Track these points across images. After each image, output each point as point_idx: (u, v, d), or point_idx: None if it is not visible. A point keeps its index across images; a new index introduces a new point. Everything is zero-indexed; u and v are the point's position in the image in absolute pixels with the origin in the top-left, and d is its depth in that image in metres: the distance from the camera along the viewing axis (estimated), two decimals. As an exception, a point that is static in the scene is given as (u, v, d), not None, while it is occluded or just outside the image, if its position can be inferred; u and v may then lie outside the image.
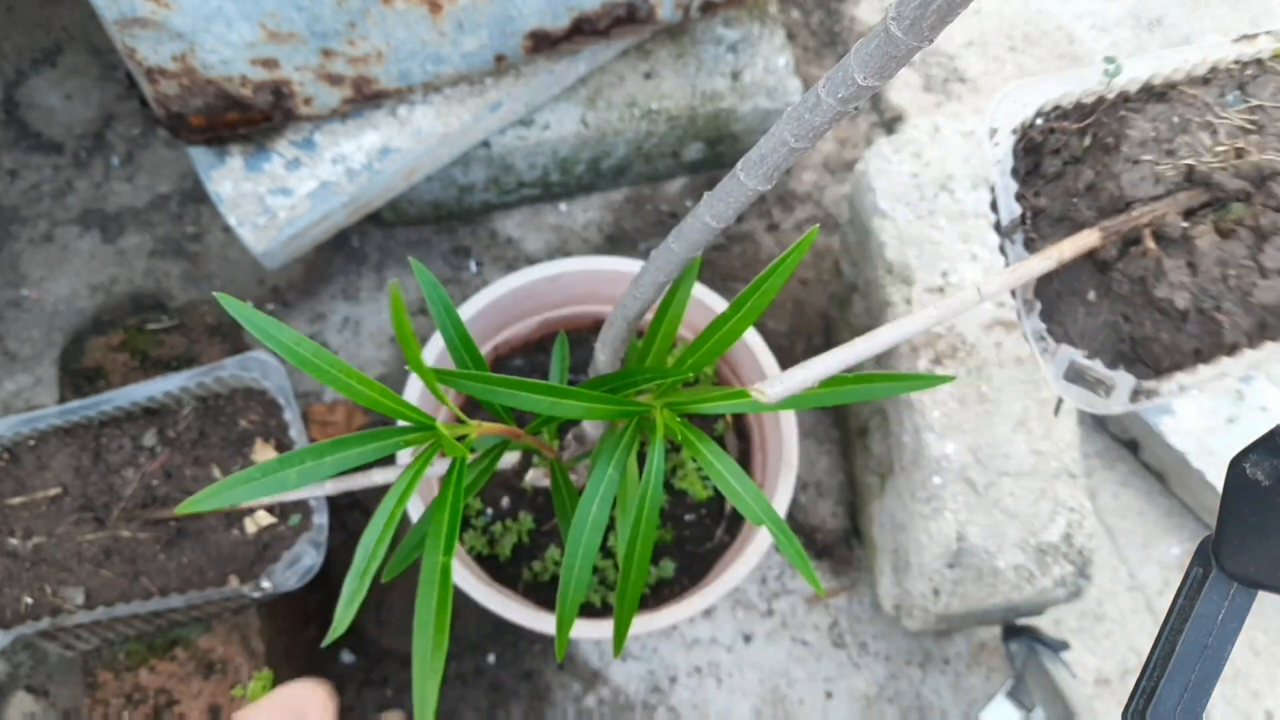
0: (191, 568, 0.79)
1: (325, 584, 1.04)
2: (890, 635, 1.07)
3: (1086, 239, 0.57)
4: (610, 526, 0.61)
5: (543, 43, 0.95)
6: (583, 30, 0.96)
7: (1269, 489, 0.42)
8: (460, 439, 0.54)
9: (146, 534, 0.79)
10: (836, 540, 1.10)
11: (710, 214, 0.47)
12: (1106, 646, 1.06)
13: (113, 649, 0.84)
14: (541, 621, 0.82)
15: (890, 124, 1.29)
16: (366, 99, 0.93)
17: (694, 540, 0.95)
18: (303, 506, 0.80)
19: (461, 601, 1.00)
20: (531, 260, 1.18)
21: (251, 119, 0.91)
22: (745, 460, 0.98)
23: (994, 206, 0.62)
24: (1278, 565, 0.42)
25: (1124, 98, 0.61)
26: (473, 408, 0.99)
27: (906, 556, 0.90)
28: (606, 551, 0.95)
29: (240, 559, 0.79)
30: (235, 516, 0.80)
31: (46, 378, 1.10)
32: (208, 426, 0.82)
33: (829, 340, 1.14)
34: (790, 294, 1.19)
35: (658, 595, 0.94)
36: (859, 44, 0.35)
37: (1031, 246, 0.60)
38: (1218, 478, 1.02)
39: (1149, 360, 0.60)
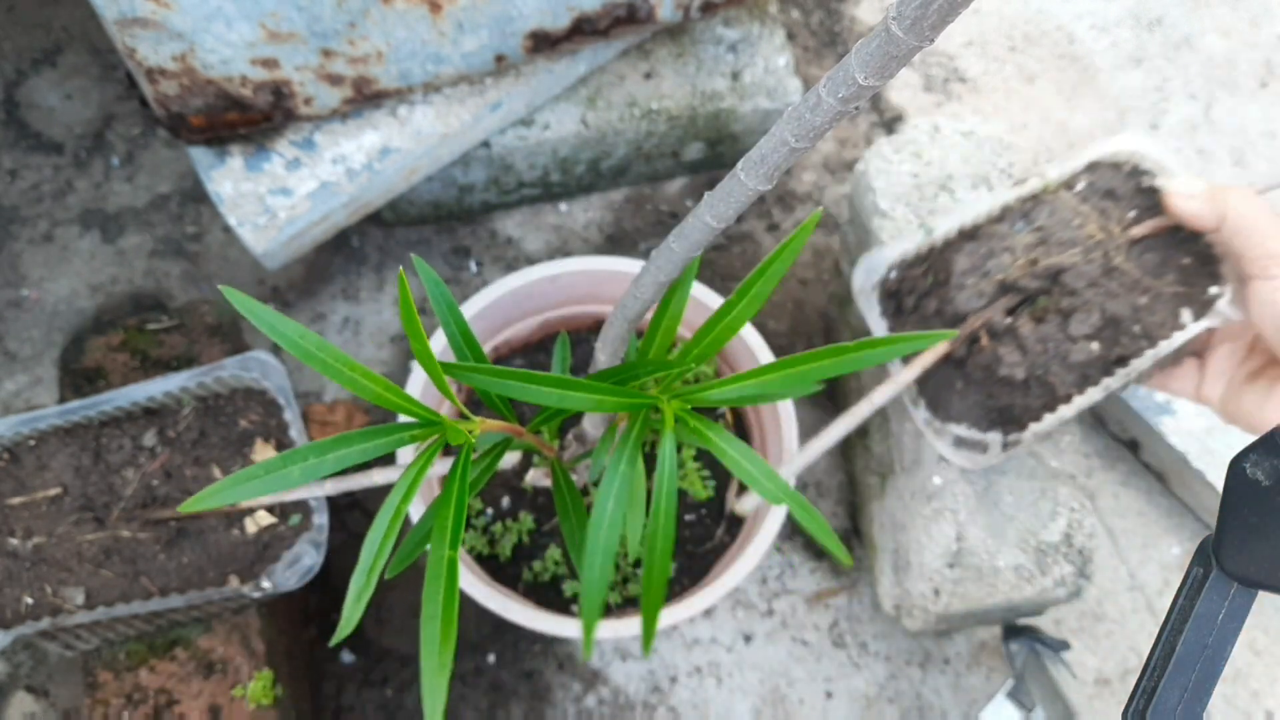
0: (192, 568, 0.79)
1: (325, 584, 1.04)
2: (890, 635, 1.07)
3: (940, 348, 0.76)
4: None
5: (543, 43, 0.96)
6: (583, 30, 0.96)
7: (1269, 489, 0.42)
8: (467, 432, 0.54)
9: (147, 534, 0.79)
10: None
11: (710, 214, 0.47)
12: (1106, 646, 1.06)
13: (113, 649, 0.84)
14: (542, 622, 0.82)
15: (890, 124, 1.29)
16: (367, 99, 0.93)
17: (694, 540, 0.95)
18: (303, 507, 0.80)
19: (462, 601, 1.00)
20: (532, 260, 1.18)
21: (251, 119, 0.91)
22: (745, 460, 0.98)
23: None
24: (1278, 565, 0.42)
25: (947, 243, 0.80)
26: (473, 406, 0.99)
27: (907, 556, 0.90)
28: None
29: (240, 559, 0.79)
30: (235, 516, 0.80)
31: (46, 378, 1.10)
32: (208, 426, 0.82)
33: (829, 340, 1.14)
34: (790, 294, 1.19)
35: (658, 595, 0.94)
36: (860, 44, 0.35)
37: (906, 361, 0.77)
38: (1218, 478, 1.03)
39: (1010, 421, 0.77)
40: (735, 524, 0.96)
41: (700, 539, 0.95)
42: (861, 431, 1.03)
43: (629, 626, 0.83)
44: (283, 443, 0.82)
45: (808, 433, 1.13)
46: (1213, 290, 0.73)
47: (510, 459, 0.73)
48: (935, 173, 0.95)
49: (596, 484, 0.58)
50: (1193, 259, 0.74)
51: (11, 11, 1.26)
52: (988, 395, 0.76)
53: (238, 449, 0.82)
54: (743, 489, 0.93)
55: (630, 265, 0.93)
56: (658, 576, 0.57)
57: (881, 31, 0.34)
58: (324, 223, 0.98)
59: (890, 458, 0.94)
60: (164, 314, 0.96)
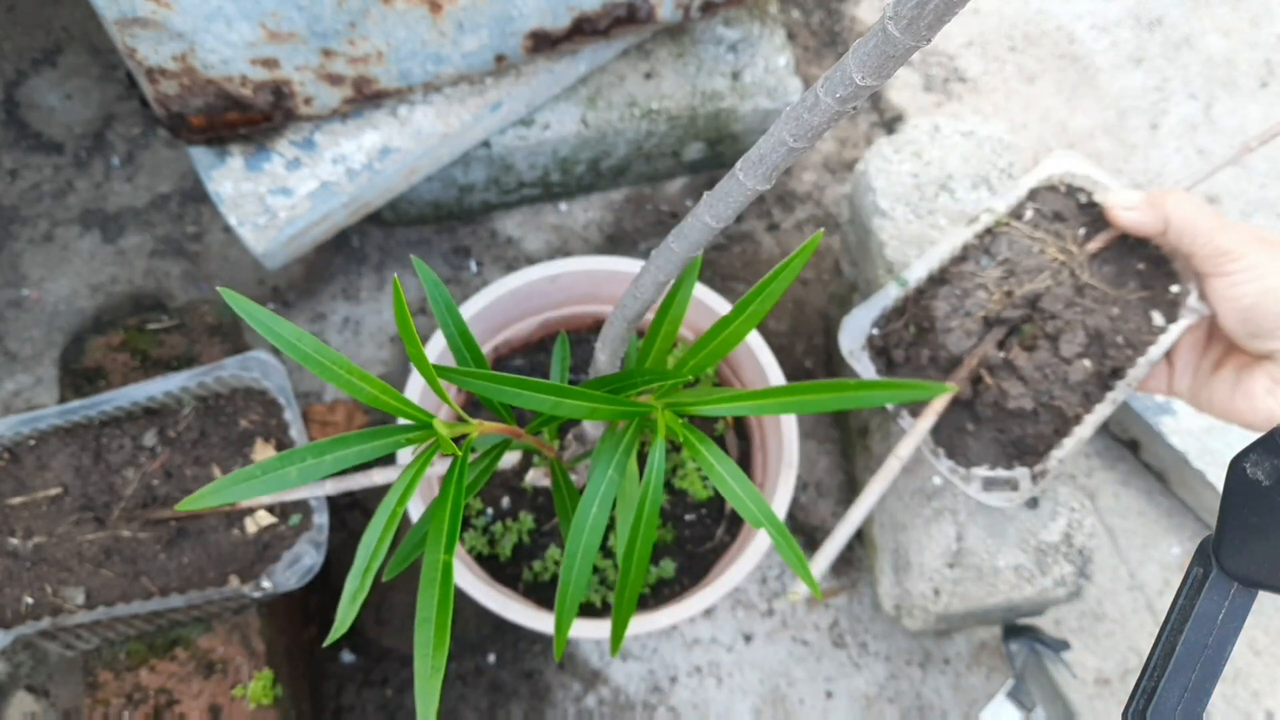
0: (192, 568, 0.79)
1: (325, 584, 1.04)
2: (890, 635, 1.07)
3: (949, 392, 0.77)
4: (611, 526, 0.61)
5: (543, 43, 0.95)
6: (583, 30, 0.96)
7: (1269, 489, 0.42)
8: (461, 438, 0.54)
9: (147, 534, 0.79)
10: (836, 540, 1.10)
11: (710, 214, 0.47)
12: (1106, 646, 1.06)
13: (113, 649, 0.84)
14: (542, 621, 0.82)
15: (890, 124, 1.29)
16: (367, 99, 0.93)
17: (694, 540, 0.95)
18: (303, 506, 0.80)
19: (461, 601, 1.00)
20: (532, 260, 1.18)
21: (252, 119, 0.91)
22: (746, 460, 0.98)
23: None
24: (1278, 565, 0.42)
25: (920, 293, 0.81)
26: (473, 407, 0.99)
27: (907, 556, 0.90)
28: (607, 551, 0.95)
29: (240, 559, 0.79)
30: (235, 516, 0.81)
31: (47, 378, 1.10)
32: (208, 426, 0.82)
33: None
34: (790, 294, 1.19)
35: (658, 595, 0.94)
36: (857, 44, 0.35)
37: (915, 413, 0.79)
38: (1218, 478, 1.02)
39: (1029, 452, 0.78)
40: (735, 524, 0.96)
41: (700, 539, 0.95)
42: (862, 431, 1.03)
43: (628, 627, 0.83)
44: (283, 443, 0.82)
45: (807, 433, 1.13)
46: (1174, 289, 0.77)
47: (510, 459, 0.73)
48: (935, 172, 0.95)
49: (596, 484, 0.58)
50: (1146, 264, 0.79)
51: (11, 11, 1.26)
52: (1000, 430, 0.78)
53: (238, 449, 0.82)
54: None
55: (630, 265, 0.93)
56: (633, 581, 0.57)
57: (878, 31, 0.34)
58: (324, 223, 0.98)
59: (920, 449, 0.94)
60: (164, 314, 0.96)
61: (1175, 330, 0.76)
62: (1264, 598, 0.43)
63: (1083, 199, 0.82)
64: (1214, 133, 1.28)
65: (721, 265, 1.19)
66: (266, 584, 0.78)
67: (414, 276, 1.16)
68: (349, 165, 0.95)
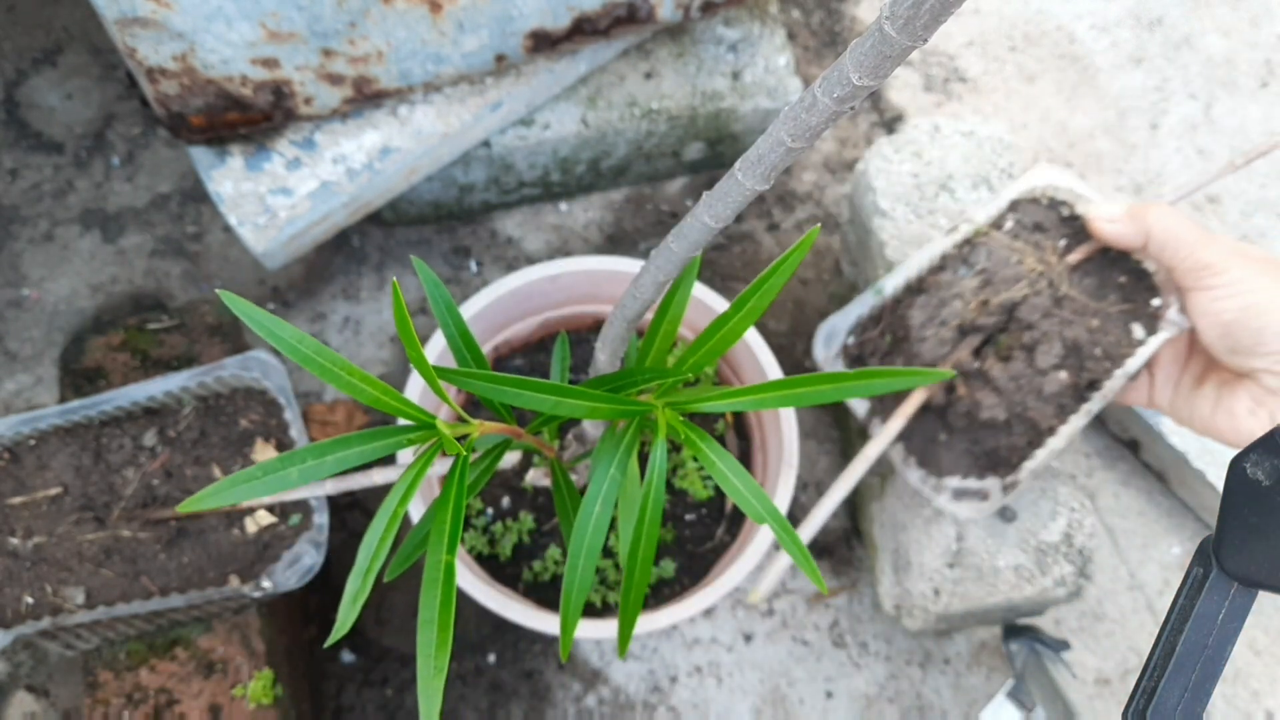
0: (192, 567, 0.79)
1: (325, 584, 1.04)
2: (890, 635, 1.07)
3: (917, 397, 0.78)
4: (611, 526, 0.61)
5: (543, 42, 0.95)
6: (583, 30, 0.96)
7: (1269, 489, 0.42)
8: (462, 438, 0.54)
9: (147, 534, 0.79)
10: (837, 540, 1.10)
11: (709, 214, 0.47)
12: (1106, 646, 1.06)
13: (113, 648, 0.84)
14: (542, 621, 0.82)
15: (890, 124, 1.29)
16: (367, 99, 0.93)
17: (694, 540, 0.95)
18: (303, 506, 0.80)
19: (462, 601, 1.00)
20: (532, 260, 1.18)
21: (252, 119, 0.91)
22: (746, 460, 0.98)
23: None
24: (1278, 565, 0.42)
25: (896, 301, 0.81)
26: (474, 407, 0.99)
27: (907, 556, 0.90)
28: (607, 551, 0.95)
29: (241, 559, 0.79)
30: (236, 516, 0.81)
31: (47, 377, 1.10)
32: (208, 426, 0.82)
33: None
34: (790, 293, 1.19)
35: (658, 595, 0.94)
36: (854, 44, 0.35)
37: (885, 419, 0.79)
38: (1218, 478, 1.02)
39: (1002, 463, 0.78)
40: (735, 524, 0.96)
41: (700, 539, 0.95)
42: (861, 432, 1.03)
43: (628, 626, 0.83)
44: (283, 443, 0.82)
45: (808, 432, 1.13)
46: (1155, 302, 0.78)
47: (510, 459, 0.73)
48: (935, 172, 0.95)
49: (596, 484, 0.58)
50: (1128, 276, 0.79)
51: (12, 11, 1.26)
52: (973, 441, 0.78)
53: (238, 449, 0.82)
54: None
55: (630, 265, 0.93)
56: (638, 581, 0.57)
57: (875, 31, 0.34)
58: (324, 222, 0.98)
59: (890, 458, 0.94)
60: (164, 314, 0.96)
61: (1154, 343, 0.76)
62: (1264, 598, 0.43)
63: (1065, 212, 0.82)
64: (1214, 133, 1.28)
65: (721, 265, 1.20)
66: (266, 584, 0.78)
67: (414, 276, 1.17)
68: (349, 165, 0.95)
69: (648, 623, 0.83)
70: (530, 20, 0.92)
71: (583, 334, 1.01)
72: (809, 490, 1.12)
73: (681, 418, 0.58)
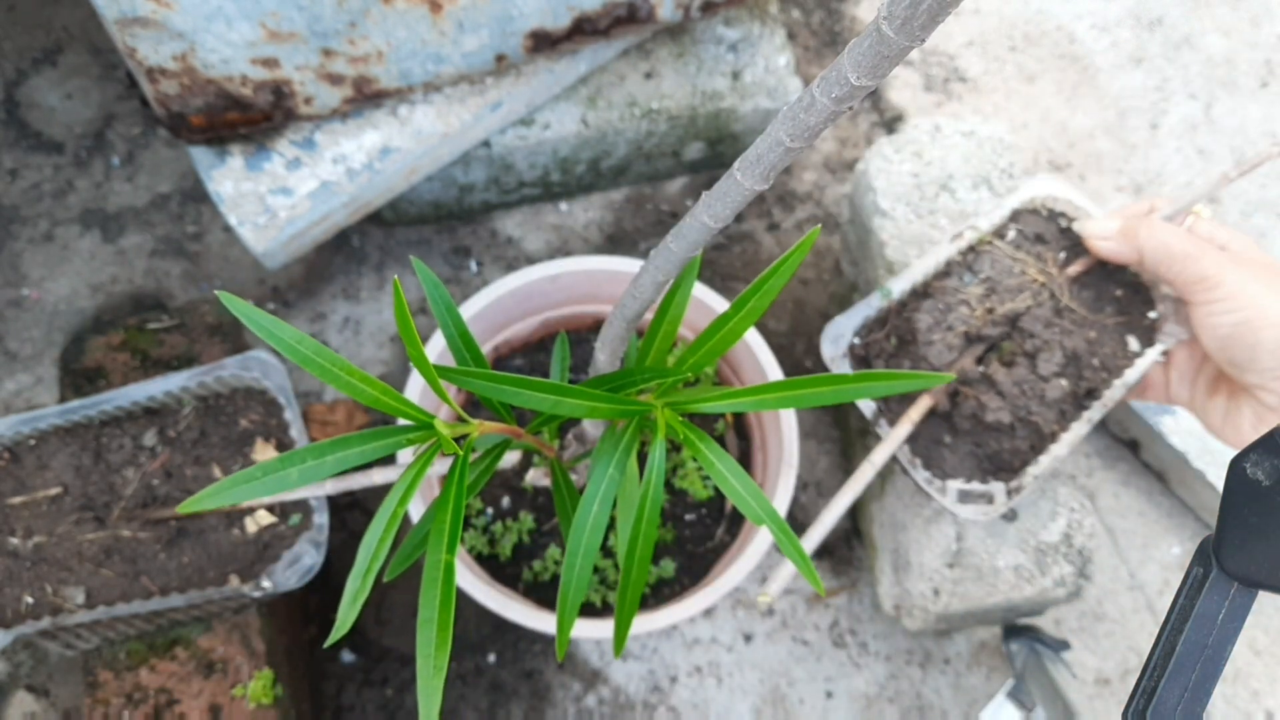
0: (192, 567, 0.79)
1: (325, 584, 1.04)
2: (890, 635, 1.07)
3: (924, 401, 0.79)
4: (611, 526, 0.61)
5: (543, 42, 0.95)
6: (583, 30, 0.96)
7: (1269, 489, 0.42)
8: (462, 438, 0.54)
9: (147, 533, 0.79)
10: (836, 540, 1.10)
11: (708, 214, 0.47)
12: (1106, 646, 1.06)
13: (113, 648, 0.84)
14: (542, 621, 0.82)
15: (891, 124, 1.29)
16: (367, 99, 0.93)
17: (694, 540, 0.95)
18: (303, 506, 0.80)
19: (462, 601, 1.00)
20: (532, 260, 1.18)
21: (252, 119, 0.91)
22: (746, 460, 0.98)
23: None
24: (1278, 565, 0.42)
25: (902, 305, 0.83)
26: (473, 407, 0.99)
27: (906, 556, 0.90)
28: (607, 551, 0.95)
29: (241, 558, 0.79)
30: (236, 516, 0.81)
31: (47, 377, 1.10)
32: (208, 426, 0.82)
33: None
34: (790, 293, 1.19)
35: (658, 595, 0.94)
36: (852, 44, 0.35)
37: (892, 422, 0.80)
38: (1218, 478, 1.02)
39: (1005, 466, 0.79)
40: (735, 524, 0.96)
41: (700, 539, 0.95)
42: (861, 432, 1.03)
43: (628, 626, 0.83)
44: (283, 443, 0.82)
45: (808, 432, 1.13)
46: (1151, 315, 0.79)
47: (510, 458, 0.73)
48: (936, 172, 0.95)
49: (596, 484, 0.58)
50: (1124, 290, 0.81)
51: (12, 11, 1.26)
52: (977, 444, 0.79)
53: (238, 449, 0.82)
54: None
55: (630, 265, 0.93)
56: (635, 581, 0.57)
57: (873, 31, 0.34)
58: (324, 222, 0.98)
59: (897, 458, 0.94)
60: (164, 314, 0.96)
61: (1150, 355, 0.78)
62: (1264, 598, 0.43)
63: (1063, 223, 0.84)
64: (1214, 133, 1.28)
65: (721, 265, 1.19)
66: (266, 584, 0.78)
67: (414, 276, 1.17)
68: (349, 165, 0.95)
69: (647, 623, 0.83)
70: (530, 20, 0.92)
71: (583, 334, 1.01)
72: (809, 490, 1.12)
73: (681, 418, 0.58)
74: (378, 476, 0.72)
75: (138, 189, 1.19)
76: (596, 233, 1.20)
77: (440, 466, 0.67)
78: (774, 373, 0.90)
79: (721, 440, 0.99)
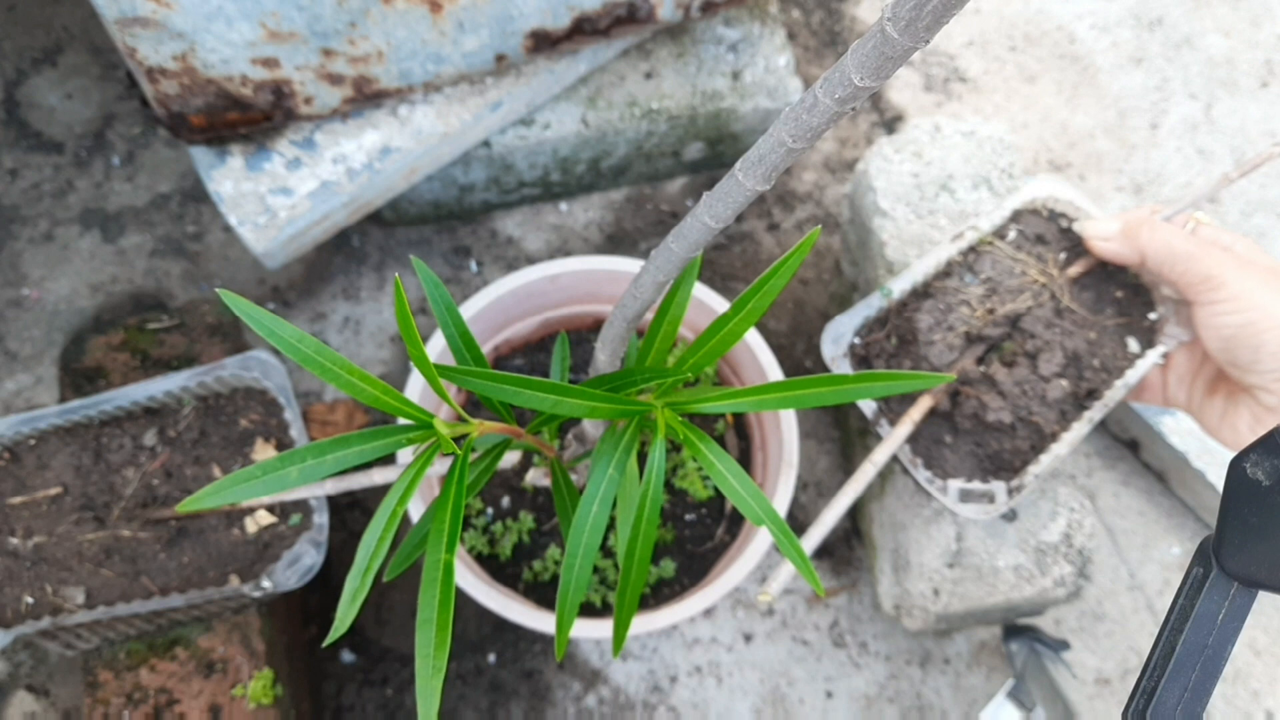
0: (192, 567, 0.79)
1: (325, 584, 1.04)
2: (890, 635, 1.07)
3: (925, 401, 0.78)
4: (611, 526, 0.61)
5: (543, 42, 0.95)
6: (583, 30, 0.96)
7: (1269, 489, 0.42)
8: (462, 438, 0.54)
9: (147, 533, 0.79)
10: (836, 540, 1.10)
11: (709, 214, 0.47)
12: (1106, 646, 1.06)
13: (113, 648, 0.84)
14: (542, 621, 0.82)
15: (891, 124, 1.29)
16: (367, 98, 0.93)
17: (694, 540, 0.95)
18: (303, 506, 0.80)
19: (462, 601, 1.00)
20: (532, 260, 1.18)
21: (252, 119, 0.91)
22: (746, 460, 0.98)
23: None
24: (1278, 565, 0.42)
25: (903, 304, 0.83)
26: (474, 406, 0.99)
27: (907, 556, 0.90)
28: (607, 551, 0.95)
29: (241, 558, 0.79)
30: (236, 516, 0.81)
31: (47, 377, 1.10)
32: (208, 426, 0.82)
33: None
34: (790, 293, 1.19)
35: (658, 595, 0.94)
36: (855, 45, 0.35)
37: (893, 422, 0.80)
38: (1218, 478, 1.02)
39: (1006, 466, 0.79)
40: (735, 524, 0.96)
41: (700, 539, 0.95)
42: (861, 432, 1.03)
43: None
44: (283, 442, 0.82)
45: (808, 432, 1.13)
46: (1151, 317, 0.80)
47: (510, 458, 0.73)
48: (936, 172, 0.95)
49: (596, 484, 0.58)
50: (1124, 291, 0.81)
51: (12, 11, 1.26)
52: (978, 444, 0.79)
53: (238, 448, 0.82)
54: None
55: (630, 265, 0.93)
56: (634, 581, 0.57)
57: (877, 32, 0.34)
58: (324, 222, 0.98)
59: (898, 458, 0.94)
60: (164, 313, 0.96)
61: (1151, 356, 0.78)
62: (1264, 598, 0.43)
63: (1064, 224, 0.84)
64: (1214, 133, 1.27)
65: (722, 265, 1.19)
66: (266, 583, 0.78)
67: (414, 276, 1.17)
68: (349, 165, 0.95)
69: (647, 622, 0.83)
70: (530, 20, 0.92)
71: (583, 334, 1.01)
72: (809, 490, 1.12)
73: (681, 418, 0.58)
74: (378, 476, 0.72)
75: (138, 189, 1.18)
76: (596, 233, 1.20)
77: (440, 466, 0.67)
78: (774, 373, 0.90)
79: (721, 440, 0.99)
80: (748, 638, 1.06)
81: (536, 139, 1.06)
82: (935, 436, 0.80)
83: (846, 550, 1.10)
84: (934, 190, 0.94)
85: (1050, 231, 0.84)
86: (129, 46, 0.81)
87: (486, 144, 1.06)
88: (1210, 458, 1.03)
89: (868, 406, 0.82)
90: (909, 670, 1.06)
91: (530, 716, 1.01)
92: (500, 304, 0.92)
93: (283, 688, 0.85)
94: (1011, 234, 0.84)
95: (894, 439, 0.77)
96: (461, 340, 0.60)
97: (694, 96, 1.09)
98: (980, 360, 0.80)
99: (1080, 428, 0.78)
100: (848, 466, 1.11)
